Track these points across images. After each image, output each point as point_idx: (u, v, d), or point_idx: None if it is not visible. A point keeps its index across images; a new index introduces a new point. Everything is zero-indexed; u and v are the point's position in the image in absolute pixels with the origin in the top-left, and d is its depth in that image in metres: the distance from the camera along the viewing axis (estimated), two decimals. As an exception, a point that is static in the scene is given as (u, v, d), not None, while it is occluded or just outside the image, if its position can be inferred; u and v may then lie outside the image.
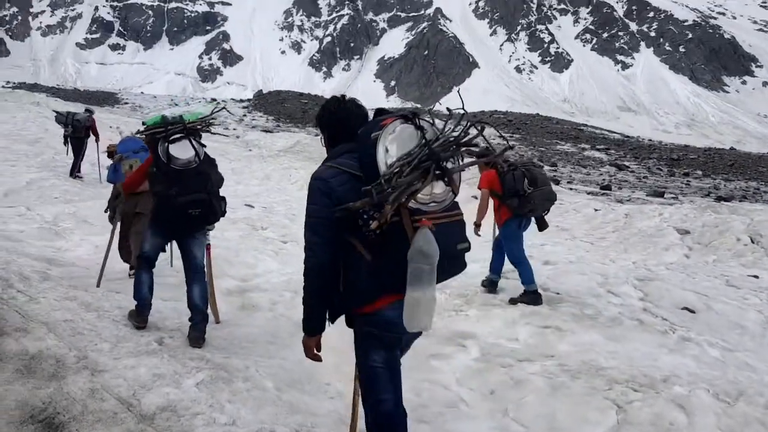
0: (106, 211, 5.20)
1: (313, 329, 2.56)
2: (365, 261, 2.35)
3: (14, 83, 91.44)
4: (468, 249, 2.50)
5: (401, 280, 2.22)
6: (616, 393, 3.96)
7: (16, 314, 3.84)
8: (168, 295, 5.35)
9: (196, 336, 4.24)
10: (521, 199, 5.81)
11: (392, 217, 2.21)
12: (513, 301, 5.86)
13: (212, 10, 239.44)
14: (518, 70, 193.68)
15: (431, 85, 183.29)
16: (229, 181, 12.58)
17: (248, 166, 20.59)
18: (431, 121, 2.45)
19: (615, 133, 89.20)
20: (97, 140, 13.53)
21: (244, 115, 63.61)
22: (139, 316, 4.34)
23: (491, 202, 6.15)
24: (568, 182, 30.29)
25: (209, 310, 4.64)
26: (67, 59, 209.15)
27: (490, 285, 6.35)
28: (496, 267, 6.36)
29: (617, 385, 4.05)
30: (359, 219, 2.31)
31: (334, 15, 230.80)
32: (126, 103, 72.42)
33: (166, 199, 4.23)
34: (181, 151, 4.28)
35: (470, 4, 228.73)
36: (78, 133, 13.30)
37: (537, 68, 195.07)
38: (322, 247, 2.42)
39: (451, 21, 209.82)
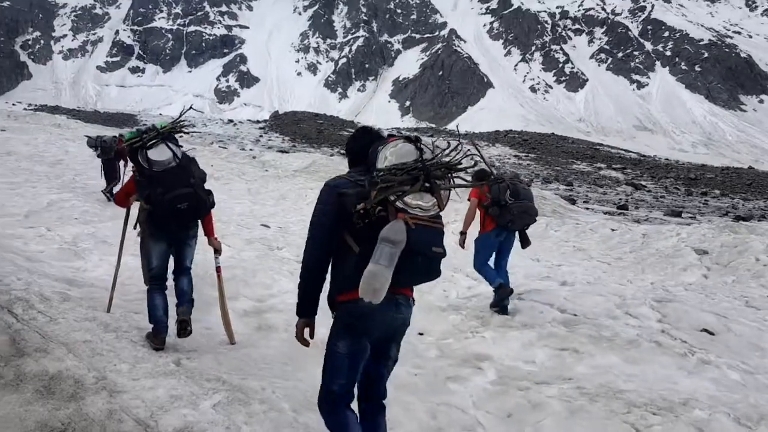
0: (135, 228, 5.36)
1: (303, 312, 2.85)
2: (352, 253, 2.67)
3: (36, 105, 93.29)
4: (443, 255, 2.71)
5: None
6: (635, 416, 3.91)
7: (37, 335, 3.89)
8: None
9: (182, 319, 4.51)
10: (501, 209, 6.20)
11: (380, 211, 2.56)
12: (492, 306, 6.32)
13: (230, 33, 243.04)
14: (533, 89, 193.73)
15: (446, 105, 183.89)
16: (245, 201, 12.75)
17: (264, 186, 20.74)
18: (431, 147, 2.77)
19: (631, 152, 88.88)
20: (125, 164, 13.71)
21: (261, 136, 64.26)
22: (156, 338, 4.45)
23: (478, 214, 6.58)
24: (584, 201, 30.16)
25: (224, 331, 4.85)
26: (88, 82, 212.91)
27: (501, 297, 6.39)
28: (494, 275, 6.51)
29: (636, 409, 4.00)
30: (351, 210, 2.62)
31: (350, 37, 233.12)
32: (145, 124, 73.30)
33: (154, 199, 4.49)
34: (159, 154, 4.55)
35: (484, 25, 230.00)
36: (106, 155, 13.58)
37: (552, 88, 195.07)
38: (320, 240, 2.80)
39: (465, 42, 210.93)
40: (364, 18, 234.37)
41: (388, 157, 2.69)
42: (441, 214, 2.76)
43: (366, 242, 2.59)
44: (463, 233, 6.57)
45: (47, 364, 3.48)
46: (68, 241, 8.26)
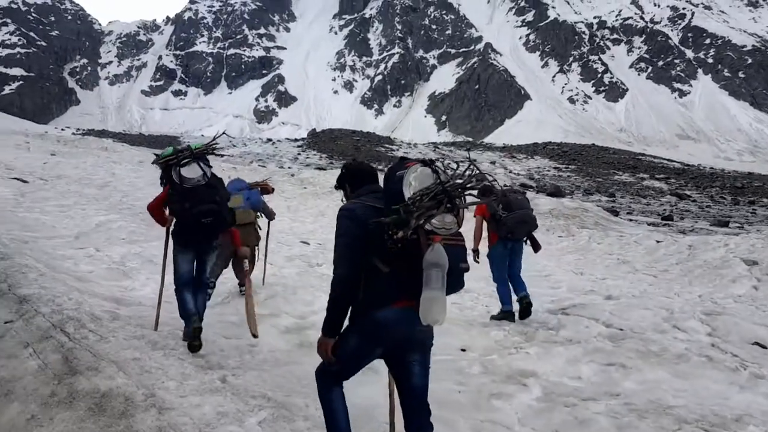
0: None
1: (331, 331, 2.99)
2: (383, 273, 2.82)
3: (84, 130, 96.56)
4: (467, 269, 2.90)
5: (414, 287, 2.71)
6: (686, 434, 3.80)
7: (88, 353, 4.00)
8: (230, 333, 5.47)
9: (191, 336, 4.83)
10: (498, 223, 6.61)
11: (411, 235, 2.71)
12: (493, 318, 6.73)
13: (268, 55, 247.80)
14: (572, 100, 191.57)
15: (482, 119, 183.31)
16: (284, 219, 12.92)
17: (303, 203, 20.97)
18: (443, 168, 2.99)
19: (674, 161, 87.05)
20: None
21: (299, 154, 65.06)
22: (186, 332, 4.94)
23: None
24: (627, 213, 29.59)
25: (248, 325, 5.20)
26: (133, 106, 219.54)
27: (506, 317, 6.70)
28: (508, 297, 6.83)
29: (687, 425, 3.88)
30: (384, 235, 2.78)
31: (385, 54, 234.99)
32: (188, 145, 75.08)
33: (182, 212, 4.96)
34: (191, 172, 5.00)
35: (520, 37, 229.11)
36: None
37: (591, 98, 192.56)
38: (345, 263, 2.92)
39: (501, 55, 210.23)
40: (399, 35, 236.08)
41: (413, 183, 2.86)
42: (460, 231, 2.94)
43: (397, 261, 2.78)
44: (475, 250, 6.73)
45: (99, 382, 3.58)
46: (116, 261, 8.48)
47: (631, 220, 25.32)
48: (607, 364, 5.05)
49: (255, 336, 5.17)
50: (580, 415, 4.15)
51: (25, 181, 16.26)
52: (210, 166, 5.18)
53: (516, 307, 6.78)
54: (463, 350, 5.58)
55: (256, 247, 7.57)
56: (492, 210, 6.65)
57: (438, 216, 2.76)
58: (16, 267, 5.93)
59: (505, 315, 6.65)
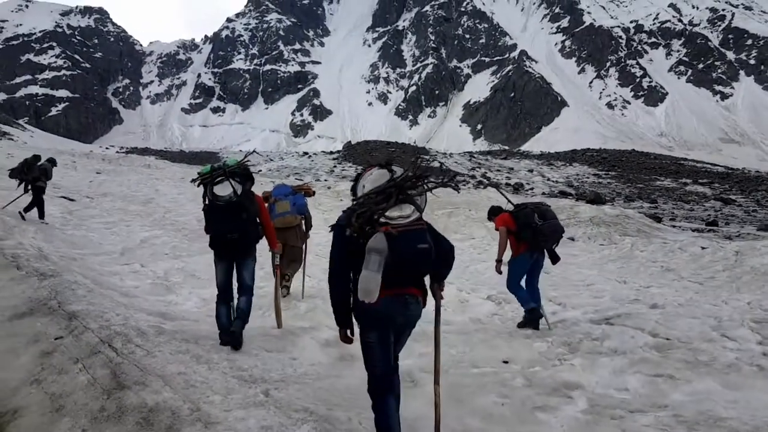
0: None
1: (344, 323, 3.49)
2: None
3: (127, 148, 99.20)
4: (429, 248, 3.30)
5: (385, 277, 3.11)
6: (740, 447, 3.67)
7: (135, 368, 4.08)
8: (271, 346, 5.51)
9: (233, 331, 5.33)
10: (534, 230, 6.74)
11: (370, 229, 3.19)
12: (520, 325, 6.81)
13: (303, 70, 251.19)
14: (610, 106, 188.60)
15: (519, 127, 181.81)
16: (321, 231, 12.98)
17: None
18: (399, 168, 3.48)
19: (718, 165, 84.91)
20: None
21: (335, 167, 65.54)
22: (221, 337, 5.39)
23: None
24: (670, 219, 28.93)
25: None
26: (174, 124, 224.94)
27: (531, 319, 6.79)
28: (532, 298, 6.93)
29: (741, 438, 3.75)
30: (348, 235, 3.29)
31: (419, 65, 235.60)
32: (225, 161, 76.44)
33: (210, 228, 5.46)
34: (222, 190, 5.41)
35: (556, 44, 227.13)
36: None
37: (630, 103, 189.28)
38: (332, 263, 3.47)
39: (536, 62, 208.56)
40: (433, 45, 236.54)
41: (366, 185, 3.43)
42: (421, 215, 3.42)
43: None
44: (499, 261, 7.02)
45: (146, 397, 3.65)
46: (160, 276, 8.66)
47: (674, 226, 24.75)
48: (655, 375, 4.93)
49: (279, 327, 6.06)
50: (627, 428, 4.05)
51: (72, 200, 16.77)
52: (242, 183, 5.51)
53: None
54: (506, 362, 5.51)
55: (303, 247, 8.33)
56: (524, 220, 6.80)
57: (394, 208, 3.24)
58: (65, 284, 6.11)
59: (531, 315, 6.75)
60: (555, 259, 7.05)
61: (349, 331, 3.50)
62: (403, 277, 3.27)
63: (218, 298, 5.56)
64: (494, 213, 7.41)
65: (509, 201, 7.60)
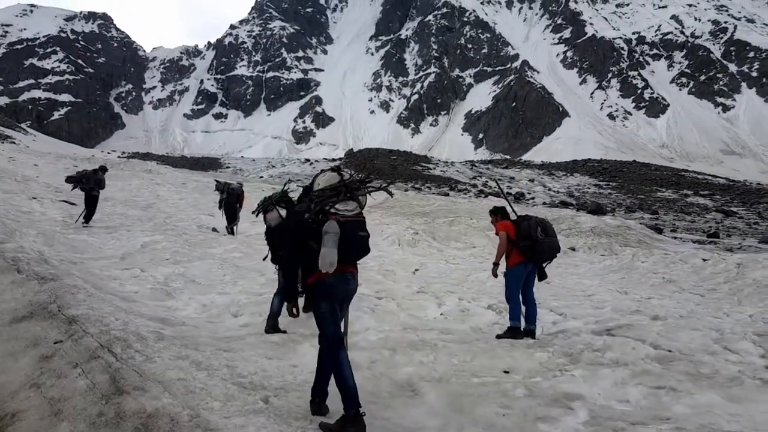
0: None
1: (293, 298, 4.27)
2: (314, 250, 3.96)
3: (129, 153, 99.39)
4: (368, 236, 4.19)
5: (341, 257, 3.94)
6: (743, 461, 3.64)
7: (135, 373, 4.06)
8: (271, 353, 5.49)
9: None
10: (534, 244, 6.83)
11: (322, 217, 4.01)
12: (499, 337, 6.83)
13: (306, 77, 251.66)
14: (611, 117, 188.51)
15: (520, 136, 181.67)
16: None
17: (342, 223, 21.02)
18: (350, 172, 4.36)
19: (719, 177, 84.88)
20: (240, 207, 16.58)
21: (337, 174, 65.45)
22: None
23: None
24: (671, 230, 28.89)
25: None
26: (176, 129, 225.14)
27: (511, 336, 6.81)
28: (528, 313, 7.03)
29: (744, 452, 3.72)
30: (305, 220, 4.09)
31: (421, 74, 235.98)
32: (228, 167, 76.62)
33: (269, 245, 7.26)
34: (271, 217, 7.01)
35: (557, 54, 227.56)
36: (231, 199, 16.27)
37: (631, 114, 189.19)
38: (291, 249, 4.20)
39: (538, 72, 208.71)
40: (435, 54, 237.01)
41: (321, 183, 4.25)
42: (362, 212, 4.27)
43: (321, 241, 3.93)
44: (496, 264, 7.06)
45: (145, 402, 3.62)
46: (160, 281, 8.64)
47: (675, 237, 24.72)
48: (656, 387, 4.90)
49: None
50: (629, 440, 4.02)
51: (73, 204, 16.77)
52: (284, 208, 6.93)
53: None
54: (507, 372, 5.48)
55: None
56: (526, 231, 6.87)
57: (341, 203, 4.07)
58: (65, 288, 6.09)
59: (513, 332, 6.79)
60: (542, 276, 7.15)
61: (295, 309, 4.27)
62: (347, 257, 4.01)
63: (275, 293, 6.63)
64: (498, 213, 7.40)
65: (513, 210, 7.61)
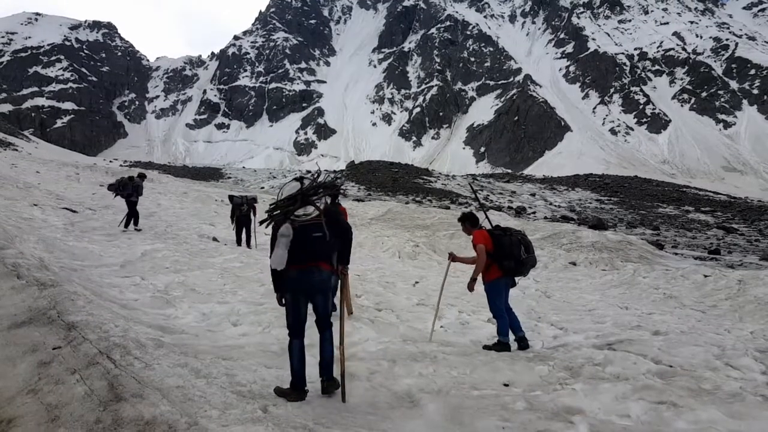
0: None
1: (279, 288, 4.76)
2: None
3: (131, 162, 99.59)
4: (322, 236, 4.65)
5: (294, 256, 4.56)
6: (745, 478, 3.61)
7: (133, 380, 4.04)
8: (271, 362, 5.46)
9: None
10: (517, 263, 6.76)
11: (281, 221, 4.63)
12: (486, 348, 6.85)
13: (308, 88, 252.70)
14: (613, 132, 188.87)
15: (522, 150, 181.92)
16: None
17: (343, 235, 21.00)
18: (310, 180, 4.88)
19: (720, 194, 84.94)
20: (254, 217, 17.10)
21: (338, 186, 65.50)
22: None
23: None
24: (672, 246, 28.84)
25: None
26: (178, 139, 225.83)
27: (499, 349, 6.77)
28: (512, 324, 6.99)
29: (746, 470, 3.69)
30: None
31: (424, 87, 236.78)
32: (229, 178, 76.75)
33: None
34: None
35: (560, 69, 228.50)
36: (248, 212, 16.94)
37: (633, 130, 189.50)
38: (271, 246, 4.71)
39: (540, 86, 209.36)
40: (438, 68, 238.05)
41: (284, 193, 4.80)
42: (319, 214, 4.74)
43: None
44: (474, 279, 6.86)
45: (143, 409, 3.59)
46: (160, 289, 8.63)
47: (676, 253, 24.69)
48: (658, 402, 4.87)
49: (350, 313, 7.84)
50: (630, 456, 3.99)
51: (74, 211, 16.77)
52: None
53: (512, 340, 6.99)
54: (507, 385, 5.45)
55: None
56: (508, 249, 6.76)
57: (299, 209, 4.62)
58: (65, 294, 6.08)
59: (502, 347, 6.77)
60: (513, 284, 7.16)
61: (283, 299, 4.76)
62: (306, 255, 4.58)
63: None
64: (468, 221, 7.26)
65: (487, 218, 7.61)
